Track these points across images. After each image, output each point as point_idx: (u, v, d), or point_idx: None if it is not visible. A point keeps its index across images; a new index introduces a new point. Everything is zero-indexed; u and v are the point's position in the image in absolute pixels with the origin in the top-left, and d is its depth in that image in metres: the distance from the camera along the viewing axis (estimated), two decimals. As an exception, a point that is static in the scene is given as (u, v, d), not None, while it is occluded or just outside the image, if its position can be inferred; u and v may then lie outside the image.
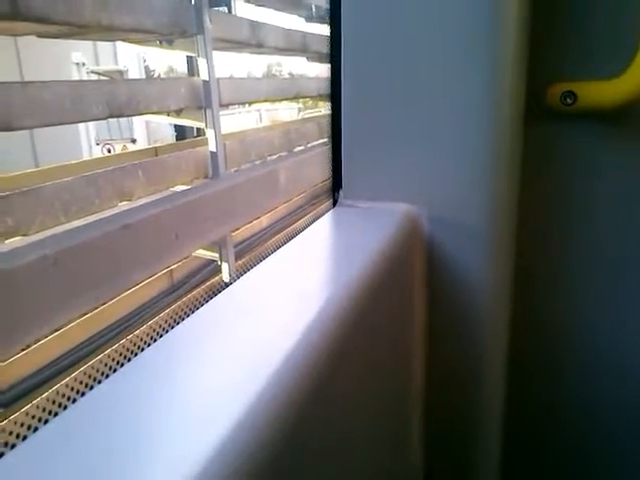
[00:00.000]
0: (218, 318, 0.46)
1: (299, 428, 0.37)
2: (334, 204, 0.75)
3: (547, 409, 0.94)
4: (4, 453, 0.29)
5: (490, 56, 0.69)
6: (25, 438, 0.31)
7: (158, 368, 0.38)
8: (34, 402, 1.52)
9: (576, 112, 0.79)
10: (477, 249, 0.70)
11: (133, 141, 6.78)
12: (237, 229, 2.48)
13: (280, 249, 0.61)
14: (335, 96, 0.75)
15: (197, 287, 2.30)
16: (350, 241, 0.66)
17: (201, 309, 0.47)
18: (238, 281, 0.54)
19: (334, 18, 0.73)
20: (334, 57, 0.74)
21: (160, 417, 0.32)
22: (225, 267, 2.49)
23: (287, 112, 8.31)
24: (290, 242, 0.63)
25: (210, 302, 0.49)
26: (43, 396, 1.55)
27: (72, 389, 1.64)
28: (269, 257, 0.59)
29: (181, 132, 5.27)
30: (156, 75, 7.72)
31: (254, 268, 0.56)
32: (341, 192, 0.74)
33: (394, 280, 0.64)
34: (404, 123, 0.71)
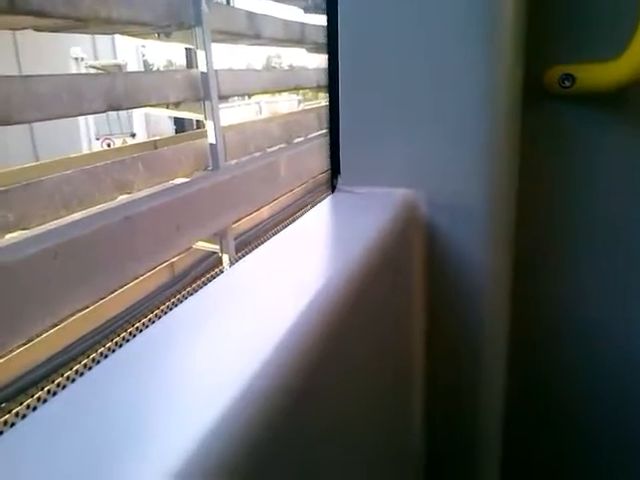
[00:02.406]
0: (213, 303, 0.46)
1: (297, 411, 0.37)
2: (332, 190, 0.75)
3: (549, 387, 0.94)
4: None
5: (487, 39, 0.68)
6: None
7: (150, 354, 0.37)
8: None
9: (575, 95, 0.79)
10: (477, 232, 0.70)
11: (133, 135, 6.79)
12: (238, 221, 2.48)
13: (278, 235, 0.61)
14: (332, 82, 0.75)
15: (198, 279, 2.30)
16: (348, 226, 0.66)
17: (196, 294, 0.47)
18: (235, 265, 0.53)
19: (331, 9, 0.73)
20: (331, 47, 0.74)
21: (149, 404, 0.32)
22: (226, 259, 2.49)
23: (287, 104, 8.30)
24: (288, 228, 0.63)
25: (206, 287, 0.48)
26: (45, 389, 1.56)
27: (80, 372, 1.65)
28: (267, 242, 0.59)
29: (181, 125, 5.25)
30: (155, 69, 7.70)
31: (251, 253, 0.56)
32: (339, 178, 0.74)
33: (393, 264, 0.64)
34: (401, 108, 0.71)
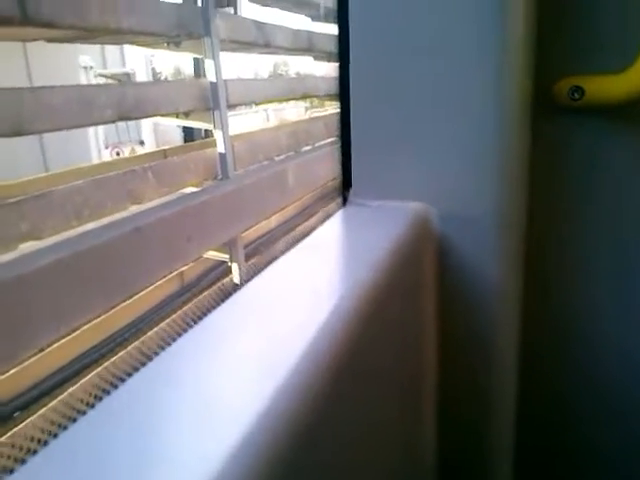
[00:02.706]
0: (232, 320, 0.46)
1: (313, 426, 0.38)
2: (344, 203, 0.75)
3: (560, 397, 0.94)
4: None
5: (497, 52, 0.69)
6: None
7: (173, 373, 0.38)
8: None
9: (584, 107, 0.79)
10: (488, 245, 0.71)
11: (141, 143, 6.83)
12: (247, 229, 2.49)
13: (291, 249, 0.62)
14: (344, 94, 0.75)
15: (208, 288, 2.31)
16: (361, 240, 0.66)
17: (214, 312, 0.47)
18: (251, 282, 0.54)
19: (342, 17, 0.74)
20: (342, 56, 0.75)
21: (173, 422, 0.32)
22: (235, 268, 2.50)
23: (294, 111, 8.33)
24: (301, 242, 0.64)
25: (223, 304, 0.49)
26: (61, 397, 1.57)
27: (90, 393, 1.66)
28: (280, 257, 0.59)
29: (189, 134, 5.28)
30: (163, 77, 7.76)
31: (266, 269, 0.57)
32: (351, 191, 0.75)
33: (405, 278, 0.64)
34: (413, 121, 0.71)
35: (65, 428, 0.33)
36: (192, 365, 0.39)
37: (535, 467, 1.00)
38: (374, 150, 0.74)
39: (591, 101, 0.79)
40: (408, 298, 0.66)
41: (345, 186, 0.76)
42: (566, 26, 0.81)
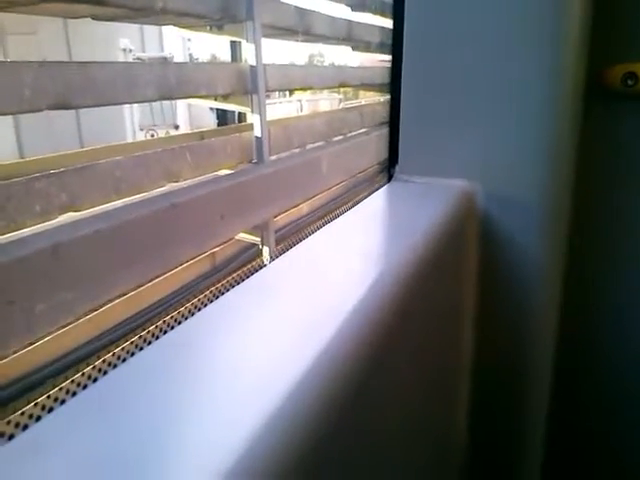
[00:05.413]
0: (274, 281, 0.47)
1: (352, 397, 0.38)
2: (389, 179, 0.76)
3: (594, 389, 0.93)
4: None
5: (551, 36, 0.69)
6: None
7: (205, 334, 0.37)
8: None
9: (638, 94, 0.78)
10: (531, 226, 0.71)
11: (176, 127, 6.90)
12: (279, 214, 2.49)
13: (336, 220, 0.63)
14: (395, 76, 0.76)
15: (238, 269, 2.33)
16: (405, 215, 0.67)
17: (256, 275, 0.48)
18: (294, 248, 0.55)
19: (397, 12, 0.75)
20: (396, 41, 0.76)
21: (196, 399, 0.32)
22: (266, 251, 2.51)
23: (328, 102, 8.31)
24: (346, 214, 0.65)
25: (265, 268, 0.50)
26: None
27: (118, 357, 1.69)
28: (327, 225, 0.60)
29: (222, 118, 5.32)
30: (199, 62, 7.83)
31: (311, 236, 0.58)
32: (397, 167, 0.75)
33: (448, 252, 0.65)
34: (462, 100, 0.72)
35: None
36: (225, 327, 0.39)
37: (565, 465, 0.99)
38: (422, 130, 0.74)
39: (644, 88, 0.77)
40: (449, 273, 0.66)
41: (391, 163, 0.77)
42: (621, 13, 0.80)
